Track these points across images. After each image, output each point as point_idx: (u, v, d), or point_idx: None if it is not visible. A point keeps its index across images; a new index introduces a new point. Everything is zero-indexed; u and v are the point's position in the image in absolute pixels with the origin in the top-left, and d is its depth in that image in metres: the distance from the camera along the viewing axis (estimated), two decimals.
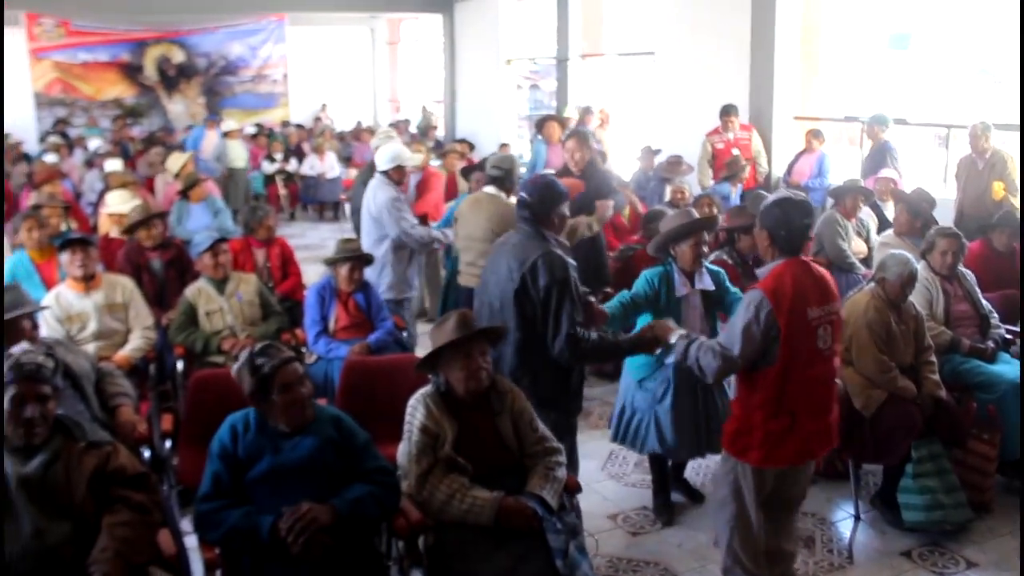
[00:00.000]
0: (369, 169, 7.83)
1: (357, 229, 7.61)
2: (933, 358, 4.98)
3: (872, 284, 5.02)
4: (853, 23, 11.38)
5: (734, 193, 9.24)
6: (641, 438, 4.81)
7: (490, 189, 6.14)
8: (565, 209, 4.21)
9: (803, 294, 3.60)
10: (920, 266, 5.51)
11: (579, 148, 6.61)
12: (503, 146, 13.10)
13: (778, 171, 10.41)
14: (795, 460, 3.81)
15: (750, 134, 10.16)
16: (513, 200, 5.98)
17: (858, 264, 7.05)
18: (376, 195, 6.50)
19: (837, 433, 3.94)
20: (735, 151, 9.80)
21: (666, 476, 5.06)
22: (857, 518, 4.94)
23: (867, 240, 7.31)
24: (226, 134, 13.92)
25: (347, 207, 12.52)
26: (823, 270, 3.81)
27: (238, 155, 13.62)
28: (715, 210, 7.14)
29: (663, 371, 4.70)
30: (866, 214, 7.54)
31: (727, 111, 10.04)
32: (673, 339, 3.93)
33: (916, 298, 5.16)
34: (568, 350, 3.95)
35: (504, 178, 6.13)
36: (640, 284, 4.82)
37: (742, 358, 3.61)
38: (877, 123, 9.17)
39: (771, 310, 3.55)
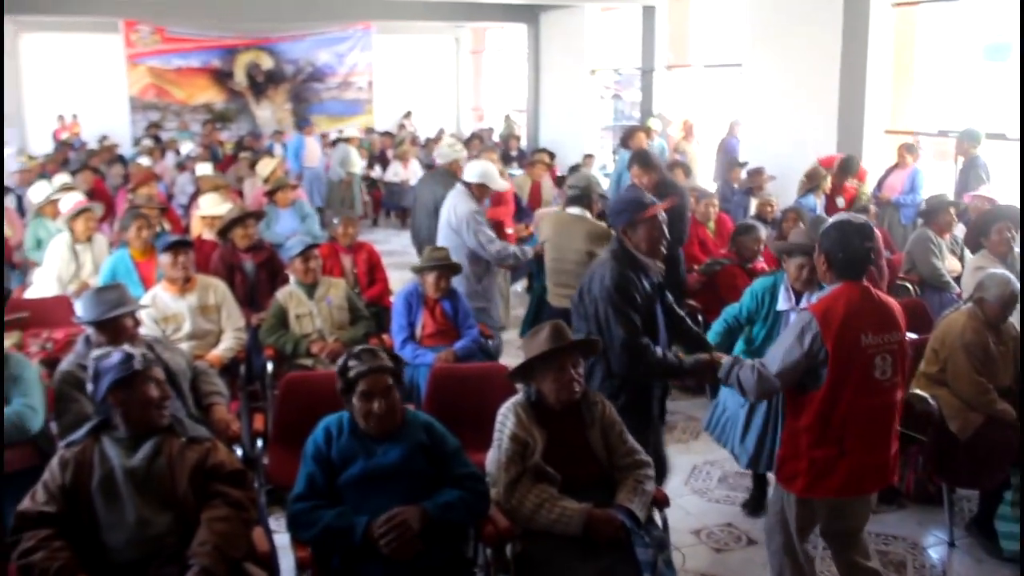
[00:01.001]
0: (438, 175, 7.91)
1: (416, 230, 7.76)
2: None
3: (968, 304, 4.88)
4: (948, 33, 11.10)
5: (819, 205, 9.08)
6: (726, 435, 4.91)
7: (573, 209, 6.10)
8: (637, 221, 4.06)
9: (857, 319, 3.49)
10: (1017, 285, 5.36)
11: (644, 173, 6.54)
12: (587, 157, 13.09)
13: (868, 186, 10.19)
14: (841, 493, 3.65)
15: (862, 184, 9.80)
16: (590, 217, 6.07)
17: (952, 283, 6.85)
18: (457, 207, 6.57)
19: (895, 469, 3.76)
20: (839, 200, 9.48)
21: (761, 477, 5.07)
22: (951, 544, 4.80)
23: (961, 258, 7.11)
24: (346, 140, 14.27)
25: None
26: (888, 298, 3.71)
27: (356, 160, 13.92)
28: (801, 224, 7.02)
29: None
30: (960, 231, 7.33)
31: (845, 169, 9.62)
32: (725, 362, 3.89)
33: (1014, 318, 5.00)
34: (625, 360, 3.94)
35: (583, 196, 6.11)
36: (745, 298, 4.87)
37: (779, 378, 3.55)
38: (968, 138, 8.91)
39: (818, 333, 3.45)
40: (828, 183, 9.37)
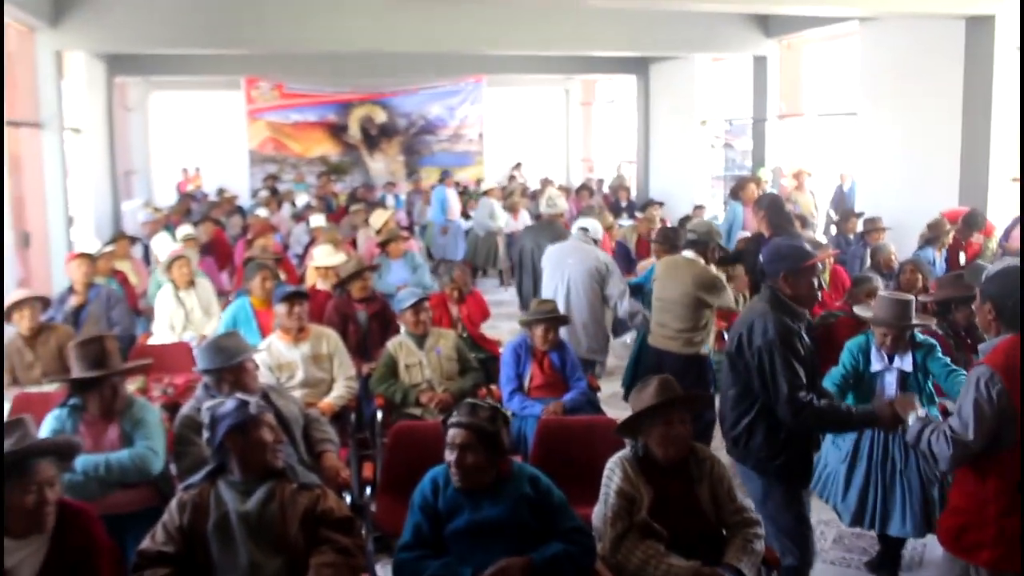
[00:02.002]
0: (543, 226, 7.97)
1: (522, 281, 7.81)
2: None
3: None
4: None
5: (939, 258, 8.79)
6: (829, 490, 4.81)
7: (688, 253, 6.15)
8: (797, 271, 4.02)
9: None
10: None
11: (769, 223, 6.71)
12: (697, 208, 12.98)
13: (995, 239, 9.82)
14: None
15: (989, 238, 9.48)
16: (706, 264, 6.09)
17: None
18: (598, 255, 6.76)
19: None
20: (962, 255, 9.18)
21: (889, 547, 4.93)
22: None
23: None
24: (486, 193, 14.55)
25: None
26: None
27: (500, 214, 14.13)
28: (920, 277, 6.81)
29: (852, 433, 4.68)
30: None
31: (970, 224, 9.35)
32: (911, 420, 3.66)
33: None
34: (791, 414, 3.84)
35: (701, 242, 6.15)
36: (845, 356, 4.82)
37: (976, 443, 3.30)
38: None
39: (1003, 388, 3.24)
40: (950, 237, 9.09)
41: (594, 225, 7.03)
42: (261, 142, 20.12)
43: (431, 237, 14.41)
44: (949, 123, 10.27)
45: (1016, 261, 3.57)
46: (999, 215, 9.91)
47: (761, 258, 4.13)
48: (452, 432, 3.51)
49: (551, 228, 7.91)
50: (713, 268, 6.18)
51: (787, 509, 4.03)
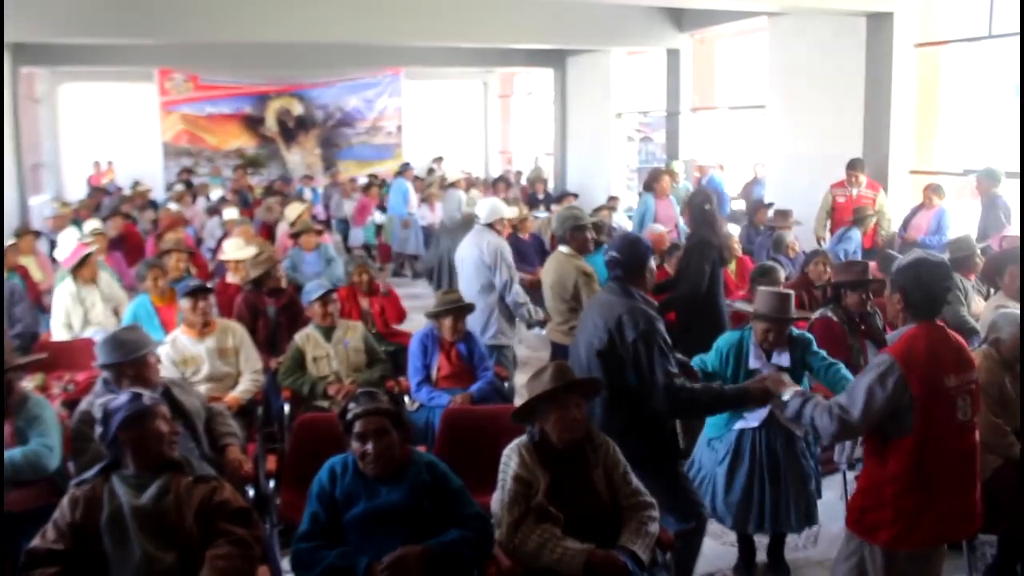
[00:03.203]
0: (463, 223, 8.00)
1: (439, 279, 7.80)
2: None
3: (984, 346, 4.83)
4: (975, 72, 11.06)
5: (859, 236, 9.09)
6: (705, 494, 4.73)
7: (564, 248, 6.25)
8: (652, 264, 4.26)
9: (939, 361, 3.40)
10: None
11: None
12: (610, 200, 13.11)
13: (894, 226, 10.15)
14: (932, 541, 3.55)
15: (876, 193, 9.88)
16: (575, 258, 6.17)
17: (976, 326, 6.76)
18: (489, 242, 6.66)
19: (980, 513, 3.64)
20: (873, 218, 9.57)
21: (748, 538, 4.95)
22: None
23: (987, 298, 7.04)
24: (453, 184, 14.40)
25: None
26: (959, 337, 3.59)
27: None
28: (827, 268, 7.01)
29: (730, 435, 4.67)
30: None
31: (853, 165, 9.81)
32: (787, 395, 3.75)
33: None
34: (667, 401, 3.91)
35: (563, 236, 6.28)
36: (712, 353, 4.80)
37: (862, 423, 3.42)
38: (987, 177, 8.89)
39: (901, 376, 3.34)
40: (873, 221, 9.41)
41: (485, 208, 6.92)
42: (175, 135, 19.77)
43: (390, 231, 14.19)
44: (852, 116, 10.58)
45: (925, 253, 3.66)
46: (899, 206, 10.25)
47: (617, 252, 4.16)
48: (363, 422, 3.49)
49: (468, 226, 7.93)
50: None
51: (666, 483, 4.09)
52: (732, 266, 7.92)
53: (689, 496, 4.22)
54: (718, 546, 5.23)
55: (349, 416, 3.52)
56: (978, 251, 7.19)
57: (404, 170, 15.67)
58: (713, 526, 5.40)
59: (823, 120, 11.15)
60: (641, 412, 4.01)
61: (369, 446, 3.48)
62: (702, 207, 6.60)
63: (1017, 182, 9.10)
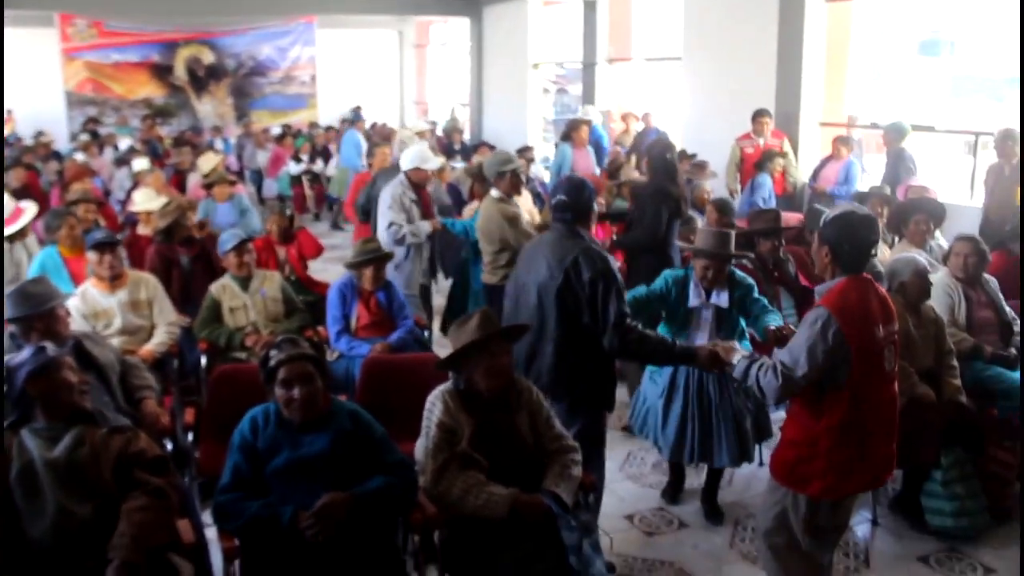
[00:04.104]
0: (391, 170, 7.92)
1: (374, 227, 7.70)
2: (955, 363, 4.96)
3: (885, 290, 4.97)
4: (883, 28, 11.32)
5: (769, 181, 9.26)
6: (646, 426, 4.96)
7: (495, 192, 6.25)
8: (596, 206, 4.31)
9: (870, 313, 3.44)
10: (942, 272, 5.52)
11: None
12: (526, 149, 13.05)
13: (804, 177, 10.36)
14: (858, 490, 3.67)
15: (781, 141, 10.11)
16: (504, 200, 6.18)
17: (881, 270, 6.95)
18: (384, 191, 6.68)
19: (895, 457, 3.74)
20: (781, 159, 9.75)
21: (679, 464, 5.14)
22: (875, 523, 4.94)
23: (891, 247, 7.26)
24: (420, 134, 13.98)
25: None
26: (883, 289, 3.66)
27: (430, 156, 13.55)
28: (719, 216, 7.08)
29: (668, 368, 4.80)
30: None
31: (759, 115, 10.00)
32: (735, 359, 3.79)
33: (938, 304, 5.15)
34: (617, 340, 3.98)
35: (492, 179, 6.30)
36: (659, 282, 4.91)
37: (805, 379, 3.44)
38: (894, 131, 9.13)
39: (839, 329, 3.37)
40: (780, 163, 9.59)
41: (409, 155, 6.91)
42: (79, 83, 19.00)
43: (342, 183, 13.73)
44: (764, 68, 10.72)
45: (852, 207, 3.71)
46: (809, 156, 10.48)
47: (566, 196, 4.20)
48: (288, 368, 3.44)
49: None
50: (521, 205, 6.31)
51: (593, 439, 4.20)
52: None
53: (600, 453, 4.35)
54: (638, 488, 5.35)
55: (272, 363, 3.46)
56: (878, 201, 7.36)
57: (356, 120, 15.31)
58: (632, 469, 5.56)
59: (737, 73, 11.27)
60: (592, 356, 4.07)
61: (295, 391, 3.44)
62: (663, 156, 6.50)
63: (924, 136, 9.40)
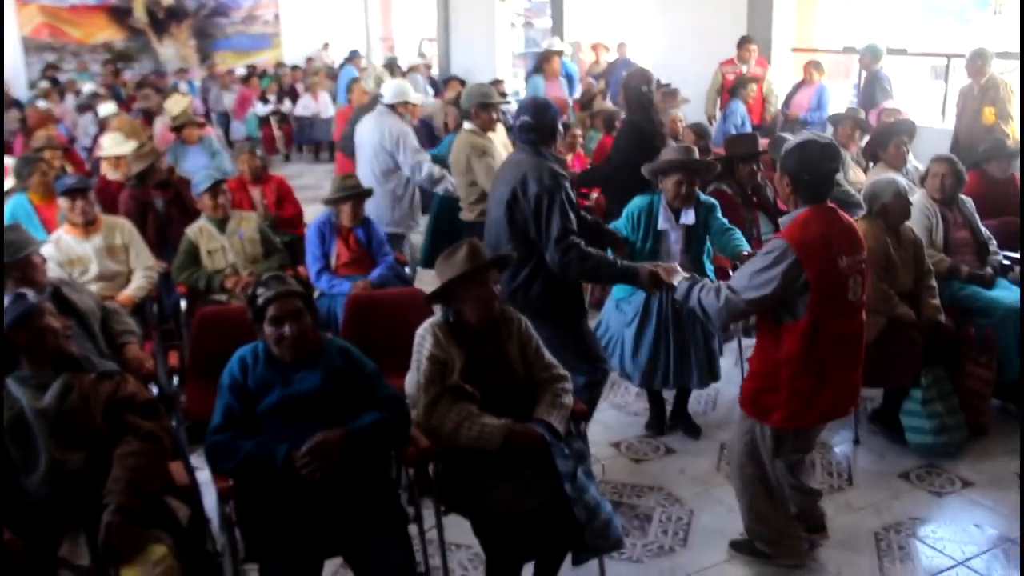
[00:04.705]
0: (367, 106, 7.81)
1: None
2: (933, 283, 5.01)
3: (864, 214, 4.99)
4: None
5: (742, 108, 9.22)
6: (613, 357, 4.95)
7: (468, 124, 6.17)
8: (560, 125, 4.36)
9: (832, 243, 3.43)
10: (919, 194, 5.55)
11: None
12: (496, 82, 12.92)
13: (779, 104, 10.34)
14: (821, 420, 3.71)
15: (765, 70, 10.03)
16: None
17: (852, 192, 6.95)
18: (387, 127, 6.54)
19: (860, 388, 3.79)
20: (754, 85, 9.69)
21: (658, 395, 5.20)
22: (856, 442, 5.03)
23: (866, 170, 7.28)
24: (412, 68, 13.72)
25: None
26: (849, 217, 3.64)
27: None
28: (696, 139, 7.04)
29: (638, 296, 4.81)
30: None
31: (745, 41, 9.90)
32: (676, 280, 3.82)
33: (916, 225, 5.19)
34: (559, 256, 4.04)
35: (468, 111, 6.20)
36: (622, 218, 4.91)
37: (750, 304, 3.46)
38: (870, 54, 9.11)
39: (796, 260, 3.36)
40: (754, 89, 9.54)
41: (392, 88, 6.82)
42: (35, 28, 18.54)
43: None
44: None
45: (812, 135, 3.65)
46: (781, 83, 10.44)
47: (530, 117, 4.22)
48: (277, 305, 3.39)
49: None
50: (496, 139, 6.24)
51: (572, 339, 4.25)
52: None
53: (592, 351, 4.40)
54: (623, 416, 5.41)
55: (260, 301, 3.41)
56: (851, 123, 7.36)
57: (352, 57, 15.08)
58: (616, 398, 5.61)
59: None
60: (545, 265, 4.14)
61: (286, 328, 3.40)
62: (639, 89, 6.28)
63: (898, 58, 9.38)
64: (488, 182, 5.76)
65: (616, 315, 4.96)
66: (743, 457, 3.80)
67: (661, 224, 4.81)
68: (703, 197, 4.97)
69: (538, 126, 4.22)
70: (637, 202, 4.90)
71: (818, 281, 3.39)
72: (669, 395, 5.28)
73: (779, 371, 3.54)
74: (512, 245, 4.13)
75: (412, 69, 14.43)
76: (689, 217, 4.82)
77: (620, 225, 4.89)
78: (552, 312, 4.20)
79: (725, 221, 4.95)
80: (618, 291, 4.97)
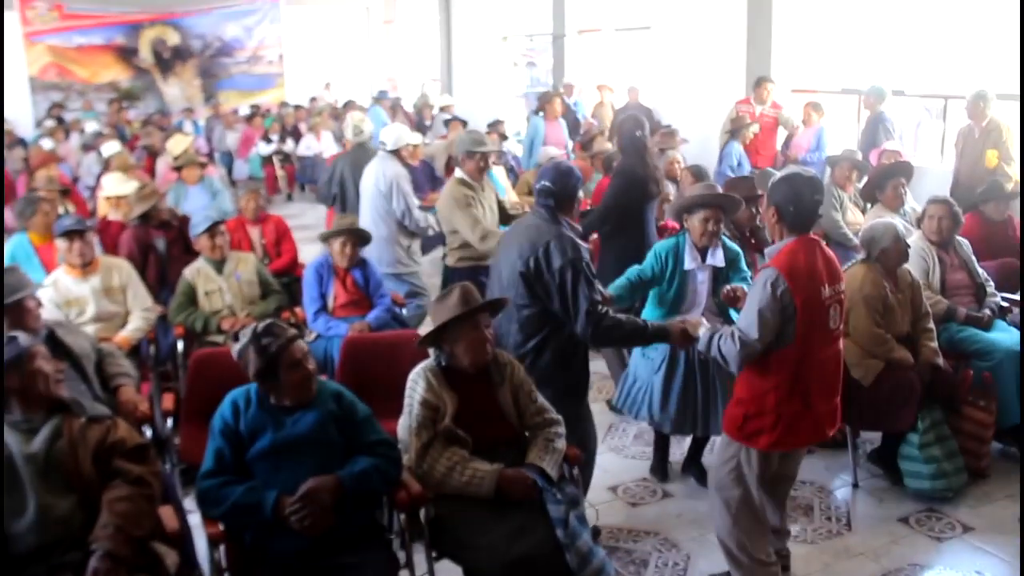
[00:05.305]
0: (358, 149, 7.86)
1: (343, 207, 7.62)
2: (931, 325, 5.00)
3: (863, 258, 4.99)
4: None
5: (739, 149, 9.19)
6: (637, 405, 4.88)
7: (459, 172, 6.13)
8: (580, 194, 4.29)
9: (816, 273, 3.55)
10: (916, 235, 5.54)
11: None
12: (496, 123, 12.97)
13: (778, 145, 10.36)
14: (804, 443, 3.83)
15: (778, 112, 10.04)
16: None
17: (850, 235, 6.96)
18: (385, 171, 6.57)
19: (842, 413, 3.89)
20: (755, 126, 9.69)
21: (665, 440, 5.14)
22: (855, 486, 4.99)
23: (864, 211, 7.28)
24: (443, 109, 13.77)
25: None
26: (829, 250, 3.74)
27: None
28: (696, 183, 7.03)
29: (663, 344, 4.68)
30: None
31: (762, 81, 9.90)
32: (701, 332, 3.86)
33: (913, 268, 5.19)
34: (590, 328, 3.94)
35: (457, 159, 6.20)
36: (649, 258, 4.85)
37: (761, 341, 3.52)
38: (874, 95, 9.14)
39: (787, 288, 3.48)
40: (753, 130, 9.52)
41: (392, 135, 6.83)
42: (42, 68, 18.65)
43: None
44: (735, 35, 10.71)
45: (798, 168, 3.80)
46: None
47: (550, 183, 4.17)
48: (293, 348, 3.42)
49: (364, 151, 7.75)
50: (496, 178, 6.25)
51: (572, 418, 4.11)
52: None
53: (586, 425, 4.31)
54: (620, 459, 5.37)
55: (273, 349, 3.39)
56: (848, 165, 7.36)
57: (380, 98, 15.19)
58: (614, 441, 5.58)
59: (707, 40, 11.25)
60: (559, 335, 4.07)
61: (308, 367, 3.45)
62: (632, 134, 6.16)
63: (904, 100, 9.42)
64: (471, 234, 5.80)
65: (644, 363, 4.86)
66: (728, 482, 3.82)
67: (687, 264, 4.73)
68: (728, 243, 4.89)
69: (558, 192, 4.11)
70: (664, 243, 4.86)
71: (804, 308, 3.51)
72: (676, 440, 5.25)
73: (766, 396, 3.62)
74: (527, 312, 4.04)
75: (444, 109, 14.66)
76: (717, 258, 4.74)
77: (646, 265, 4.83)
78: (558, 384, 4.10)
79: (748, 275, 4.86)
80: None
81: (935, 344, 4.94)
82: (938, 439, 4.85)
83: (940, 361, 4.89)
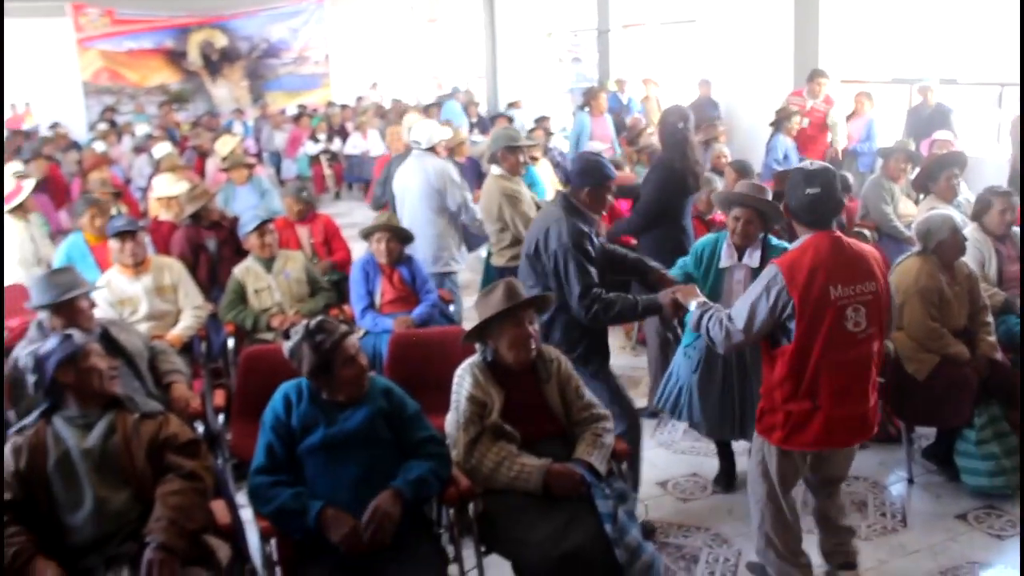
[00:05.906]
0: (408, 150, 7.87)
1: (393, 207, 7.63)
2: (989, 319, 4.88)
3: (918, 251, 4.88)
4: None
5: (788, 143, 9.04)
6: (678, 406, 4.74)
7: (495, 169, 6.15)
8: (600, 187, 4.26)
9: (824, 270, 3.41)
10: (972, 227, 5.42)
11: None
12: (539, 121, 12.93)
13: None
14: (815, 446, 3.62)
15: (830, 107, 9.87)
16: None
17: (902, 228, 6.83)
18: (432, 168, 6.53)
19: (875, 421, 3.70)
20: (804, 120, 9.54)
21: (727, 448, 4.97)
22: (911, 481, 4.90)
23: (917, 202, 7.14)
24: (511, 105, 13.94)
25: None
26: (864, 246, 3.61)
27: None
28: (736, 176, 6.91)
29: (701, 340, 4.49)
30: None
31: (816, 75, 9.74)
32: (692, 306, 3.80)
33: (969, 260, 5.05)
34: (584, 311, 4.04)
35: (494, 156, 6.22)
36: (689, 257, 4.80)
37: (745, 332, 3.51)
38: (928, 85, 9.00)
39: (784, 287, 3.41)
40: (797, 121, 9.35)
41: (424, 133, 6.74)
42: (95, 73, 19.01)
43: None
44: (782, 25, 10.57)
45: (808, 163, 3.69)
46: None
47: (576, 168, 4.25)
48: (347, 344, 3.46)
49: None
50: (542, 175, 6.23)
51: (597, 382, 4.15)
52: None
53: (618, 394, 4.29)
54: (669, 454, 5.33)
55: (328, 345, 3.42)
56: (901, 156, 7.22)
57: (453, 94, 15.28)
58: (663, 436, 5.53)
59: (754, 31, 11.13)
60: (563, 310, 4.15)
61: (355, 367, 3.48)
62: (675, 126, 5.87)
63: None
64: (524, 229, 5.80)
65: (684, 363, 4.73)
66: (756, 475, 3.80)
67: (723, 262, 4.62)
68: (775, 243, 4.66)
69: (576, 183, 4.24)
70: (704, 240, 4.80)
71: (801, 305, 3.42)
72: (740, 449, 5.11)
73: (775, 392, 3.60)
74: (535, 291, 4.06)
75: (512, 105, 14.73)
76: (753, 259, 4.57)
77: (688, 262, 4.77)
78: (574, 355, 4.10)
79: None
80: (686, 337, 4.75)
81: (993, 338, 4.83)
82: (996, 435, 4.73)
83: (998, 355, 4.78)
